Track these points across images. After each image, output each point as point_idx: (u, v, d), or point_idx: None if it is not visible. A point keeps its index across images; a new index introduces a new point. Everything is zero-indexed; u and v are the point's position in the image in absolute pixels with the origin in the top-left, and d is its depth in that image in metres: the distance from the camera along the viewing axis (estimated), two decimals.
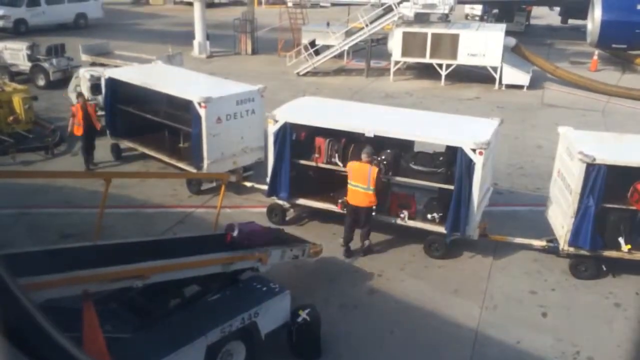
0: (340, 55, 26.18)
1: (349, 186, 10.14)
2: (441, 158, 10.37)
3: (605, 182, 9.15)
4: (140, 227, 11.14)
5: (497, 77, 22.74)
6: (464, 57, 22.70)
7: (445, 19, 25.06)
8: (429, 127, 11.09)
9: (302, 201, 11.35)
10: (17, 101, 15.25)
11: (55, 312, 5.55)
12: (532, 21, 38.94)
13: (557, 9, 38.68)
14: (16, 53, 21.68)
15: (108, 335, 5.86)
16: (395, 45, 23.39)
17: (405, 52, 23.28)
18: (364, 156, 10.00)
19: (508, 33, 23.48)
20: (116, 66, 18.19)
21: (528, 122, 18.35)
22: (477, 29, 24.22)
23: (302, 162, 11.12)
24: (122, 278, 6.37)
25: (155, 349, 6.29)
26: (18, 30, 31.01)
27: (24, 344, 1.47)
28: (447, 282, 9.77)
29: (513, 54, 23.31)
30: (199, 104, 11.97)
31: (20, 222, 11.37)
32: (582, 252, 9.71)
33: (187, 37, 28.41)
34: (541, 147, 14.66)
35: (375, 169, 9.92)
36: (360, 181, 9.95)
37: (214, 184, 12.54)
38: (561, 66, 24.33)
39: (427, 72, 24.13)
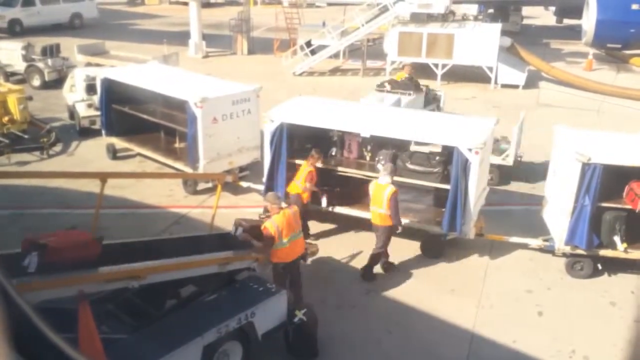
0: (336, 55, 26.19)
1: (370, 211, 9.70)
2: (437, 158, 10.37)
3: (601, 182, 9.18)
4: (136, 227, 11.11)
5: (492, 76, 22.72)
6: (460, 57, 22.71)
7: (441, 18, 25.08)
8: (425, 126, 11.11)
9: None
10: (12, 101, 15.16)
11: (52, 313, 5.55)
12: (527, 21, 38.94)
13: (553, 8, 38.75)
14: (11, 53, 21.58)
15: (104, 336, 5.86)
16: (391, 45, 23.41)
17: (401, 52, 23.28)
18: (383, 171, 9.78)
19: (503, 33, 23.47)
20: (112, 66, 18.15)
21: (523, 121, 18.34)
22: (473, 28, 24.23)
23: (299, 162, 11.11)
24: (118, 279, 6.36)
25: (151, 350, 6.27)
26: (13, 30, 30.86)
27: (20, 344, 1.47)
28: (444, 281, 9.78)
29: (508, 53, 23.33)
30: (195, 104, 11.96)
31: (15, 223, 11.33)
32: (578, 251, 9.73)
33: (182, 37, 28.32)
34: (536, 146, 14.67)
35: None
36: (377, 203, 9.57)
37: (210, 184, 12.52)
38: (556, 66, 24.37)
39: (423, 71, 24.11)
